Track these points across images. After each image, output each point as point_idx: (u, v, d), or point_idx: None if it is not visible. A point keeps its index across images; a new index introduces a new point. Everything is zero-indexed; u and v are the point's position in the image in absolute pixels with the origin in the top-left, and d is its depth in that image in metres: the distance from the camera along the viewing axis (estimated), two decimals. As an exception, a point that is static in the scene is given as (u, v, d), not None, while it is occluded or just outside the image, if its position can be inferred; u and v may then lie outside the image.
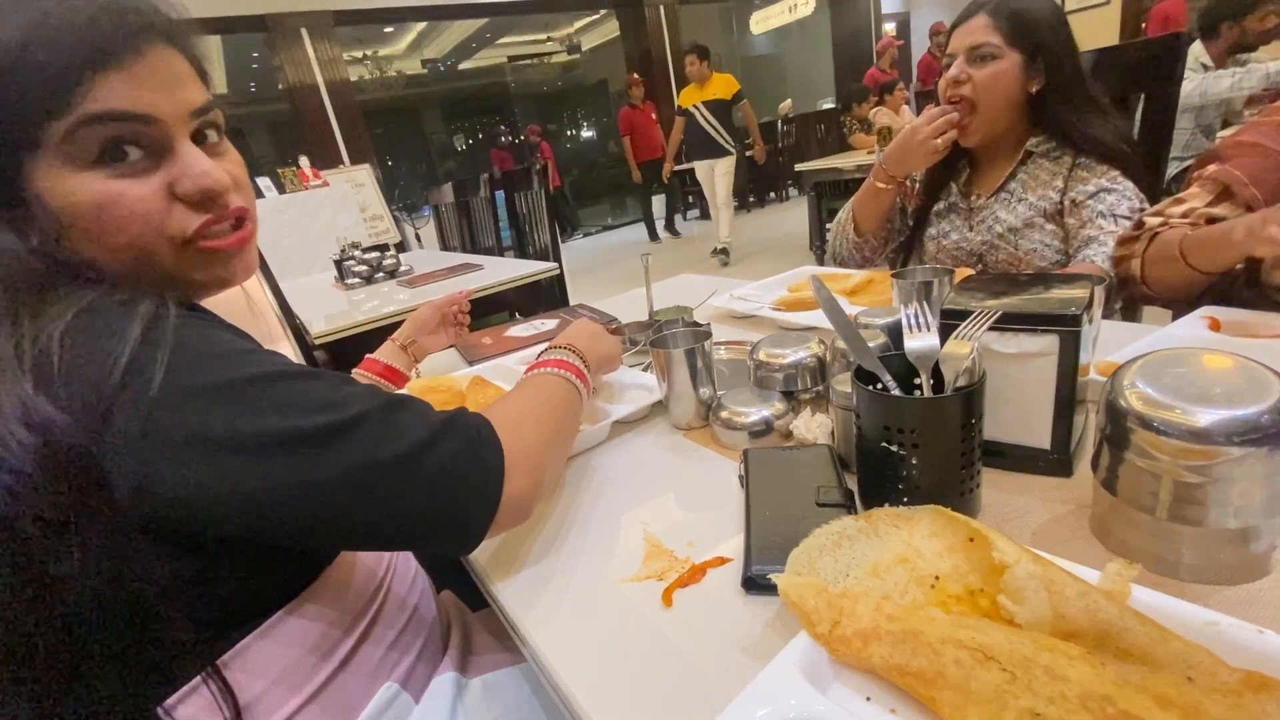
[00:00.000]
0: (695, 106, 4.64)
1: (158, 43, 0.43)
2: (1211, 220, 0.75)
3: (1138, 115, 1.14)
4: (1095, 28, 4.96)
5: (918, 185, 1.22)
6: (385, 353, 0.94)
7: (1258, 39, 2.43)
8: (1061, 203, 1.01)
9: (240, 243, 0.49)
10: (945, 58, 1.05)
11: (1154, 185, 1.06)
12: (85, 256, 0.42)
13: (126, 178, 0.42)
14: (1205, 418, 0.36)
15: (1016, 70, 0.99)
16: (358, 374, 0.91)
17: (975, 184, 1.13)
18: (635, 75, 6.33)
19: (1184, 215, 0.77)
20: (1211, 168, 0.76)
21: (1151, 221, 0.70)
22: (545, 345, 0.71)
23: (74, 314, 0.38)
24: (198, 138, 0.47)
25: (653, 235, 6.59)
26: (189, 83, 0.45)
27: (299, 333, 1.67)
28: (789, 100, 7.45)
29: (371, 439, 0.42)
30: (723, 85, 4.59)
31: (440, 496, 0.44)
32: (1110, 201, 0.95)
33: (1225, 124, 2.45)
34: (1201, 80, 2.33)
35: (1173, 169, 2.35)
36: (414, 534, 0.45)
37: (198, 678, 0.41)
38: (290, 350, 1.78)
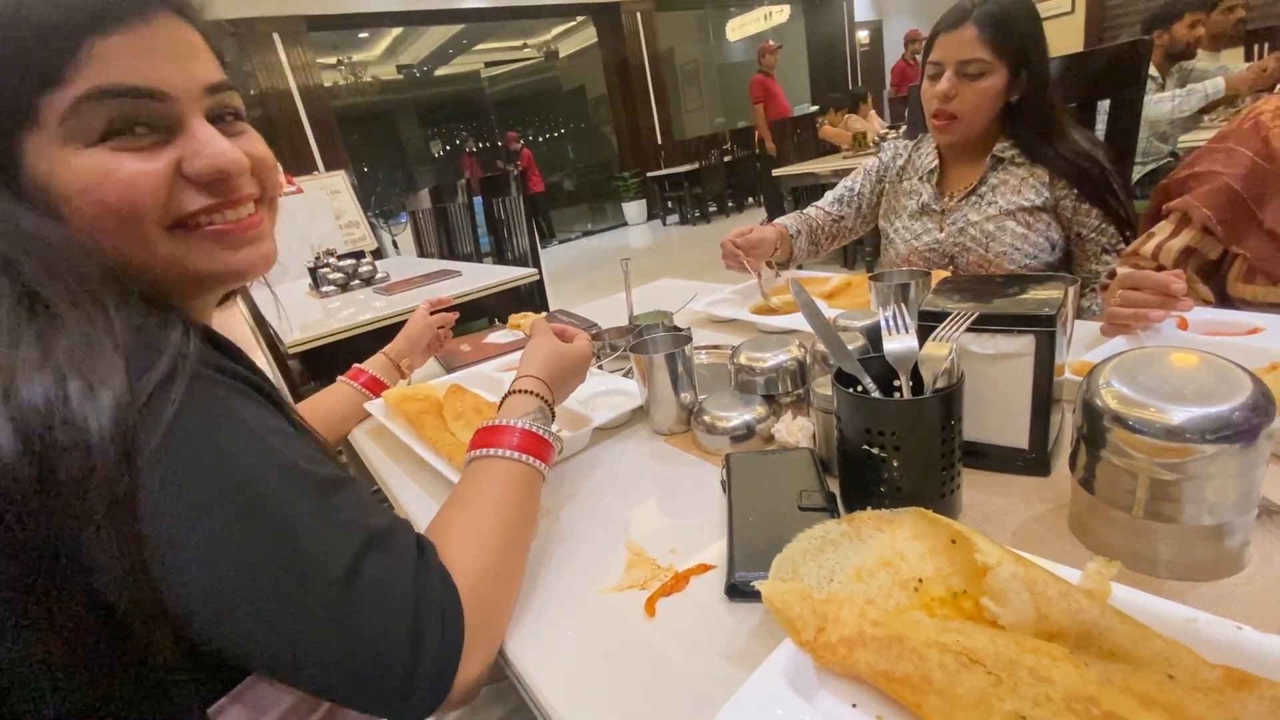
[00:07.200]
0: None
1: (167, 11, 0.40)
2: (1188, 250, 0.79)
3: (1104, 121, 1.17)
4: (1060, 35, 5.10)
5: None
6: (375, 364, 0.94)
7: (1187, 46, 2.48)
8: (1045, 205, 1.02)
9: (251, 227, 0.45)
10: (930, 65, 1.03)
11: (1124, 188, 1.08)
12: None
13: (131, 152, 0.38)
14: (1179, 415, 0.37)
15: (1002, 84, 0.99)
16: (343, 381, 0.91)
17: (945, 183, 1.14)
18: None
19: (1154, 253, 0.80)
20: (1176, 201, 0.80)
21: (1121, 272, 0.72)
22: (509, 390, 0.61)
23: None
24: (214, 119, 0.43)
25: None
26: (202, 57, 0.42)
27: (272, 342, 1.63)
28: (766, 106, 7.51)
29: (336, 614, 0.36)
30: None
31: (388, 696, 0.38)
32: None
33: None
34: (1144, 104, 2.39)
35: (1135, 173, 2.41)
36: (349, 701, 0.38)
37: None
38: (262, 361, 1.74)
